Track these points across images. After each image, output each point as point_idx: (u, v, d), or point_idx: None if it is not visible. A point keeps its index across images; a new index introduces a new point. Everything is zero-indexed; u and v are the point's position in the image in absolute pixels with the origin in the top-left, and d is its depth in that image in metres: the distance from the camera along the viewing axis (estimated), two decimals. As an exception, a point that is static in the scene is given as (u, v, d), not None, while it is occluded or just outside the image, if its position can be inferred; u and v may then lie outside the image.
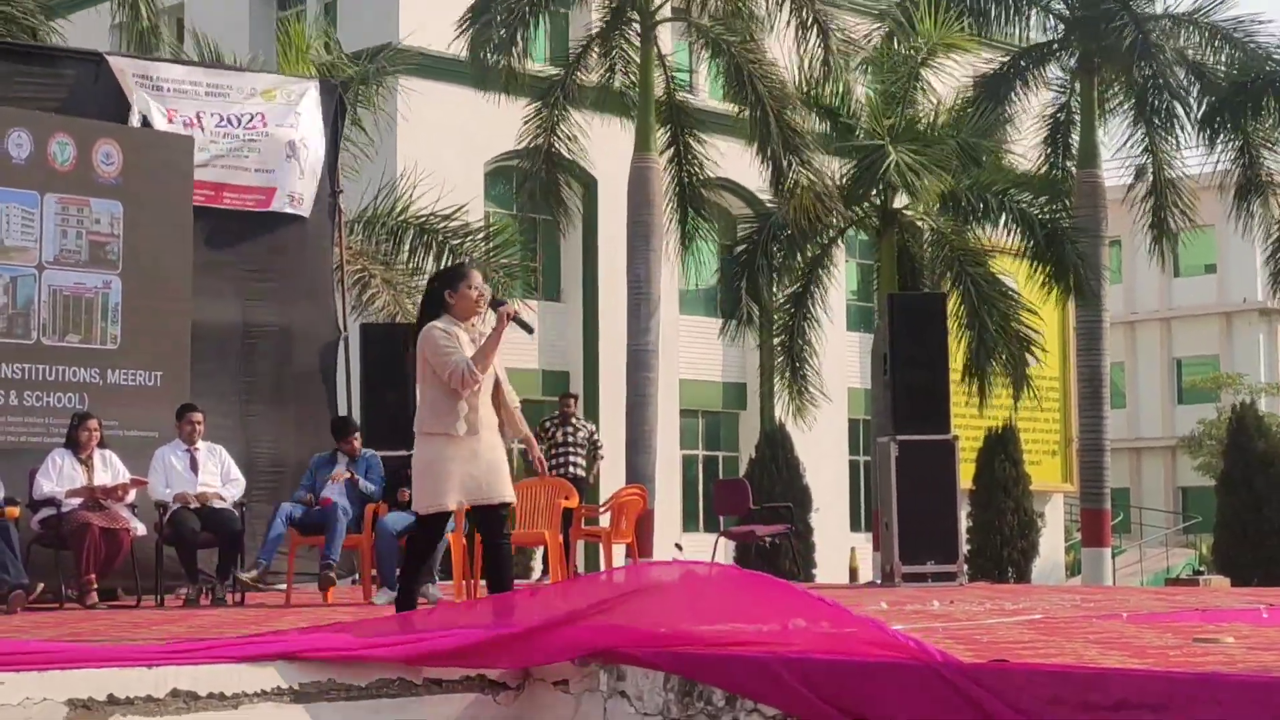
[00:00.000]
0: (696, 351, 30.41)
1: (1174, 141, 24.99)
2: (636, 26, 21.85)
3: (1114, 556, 27.60)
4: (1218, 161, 24.68)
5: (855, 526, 31.93)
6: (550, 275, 29.78)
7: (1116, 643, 6.39)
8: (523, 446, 8.41)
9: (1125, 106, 25.30)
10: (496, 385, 7.75)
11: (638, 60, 21.84)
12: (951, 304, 20.26)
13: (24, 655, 5.46)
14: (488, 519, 7.73)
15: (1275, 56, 24.09)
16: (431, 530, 7.87)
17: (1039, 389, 24.51)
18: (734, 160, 23.21)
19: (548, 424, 17.35)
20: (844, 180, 22.32)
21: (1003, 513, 25.97)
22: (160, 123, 13.62)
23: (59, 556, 11.29)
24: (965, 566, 15.33)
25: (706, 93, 26.98)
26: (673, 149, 22.27)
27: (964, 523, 20.46)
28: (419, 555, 7.97)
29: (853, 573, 28.06)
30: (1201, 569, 28.86)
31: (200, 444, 11.96)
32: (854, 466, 32.77)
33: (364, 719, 5.79)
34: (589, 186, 28.13)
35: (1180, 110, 24.40)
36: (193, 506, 11.58)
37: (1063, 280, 22.97)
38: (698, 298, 31.17)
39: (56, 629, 8.39)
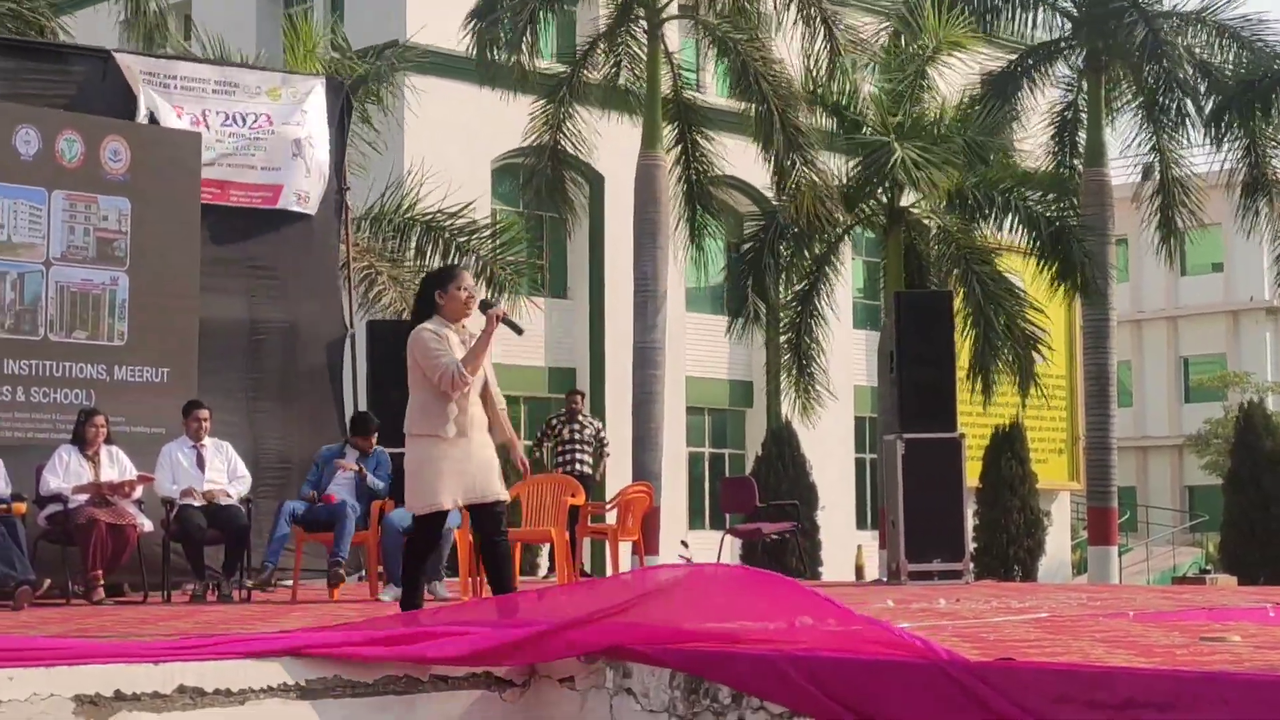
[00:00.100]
0: (703, 349, 30.41)
1: (1181, 139, 24.96)
2: (643, 24, 21.85)
3: (1120, 555, 27.59)
4: (1224, 160, 24.64)
5: (861, 524, 31.92)
6: (557, 272, 29.78)
7: (1123, 641, 6.39)
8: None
9: (1133, 105, 25.27)
10: (485, 385, 7.80)
11: (644, 57, 21.84)
12: (957, 302, 20.24)
13: (31, 651, 5.47)
14: (483, 517, 7.79)
15: (1283, 55, 24.06)
16: (428, 530, 7.91)
17: (1046, 387, 24.49)
18: (741, 158, 23.20)
19: (554, 421, 17.34)
20: (850, 178, 22.33)
21: (1009, 511, 25.95)
22: (168, 119, 13.62)
23: (65, 552, 11.30)
24: (971, 565, 15.32)
25: (714, 90, 26.95)
26: (680, 146, 22.26)
27: (970, 521, 20.38)
28: (418, 555, 7.99)
29: (859, 570, 28.05)
30: (1208, 568, 28.82)
31: (207, 440, 11.99)
32: (860, 464, 32.77)
33: (370, 716, 5.80)
34: (595, 184, 28.13)
35: (1190, 107, 24.35)
36: (198, 504, 11.60)
37: (1069, 278, 22.95)
38: (704, 295, 31.17)
39: (63, 625, 8.40)
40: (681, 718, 5.63)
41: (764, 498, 19.22)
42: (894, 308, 14.90)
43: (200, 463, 11.87)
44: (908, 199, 22.62)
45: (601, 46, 22.16)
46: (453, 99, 25.52)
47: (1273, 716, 4.32)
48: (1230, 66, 24.38)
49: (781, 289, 23.50)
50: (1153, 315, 49.24)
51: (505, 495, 7.81)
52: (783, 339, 23.84)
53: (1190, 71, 24.29)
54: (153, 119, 13.56)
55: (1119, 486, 25.77)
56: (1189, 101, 24.32)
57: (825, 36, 21.72)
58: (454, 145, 25.95)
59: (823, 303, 23.36)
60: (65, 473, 11.38)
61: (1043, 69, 25.37)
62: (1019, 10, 25.09)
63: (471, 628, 6.15)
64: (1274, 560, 24.14)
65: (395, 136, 22.82)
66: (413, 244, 20.72)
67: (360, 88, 20.08)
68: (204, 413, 12.00)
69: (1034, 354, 22.92)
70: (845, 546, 28.90)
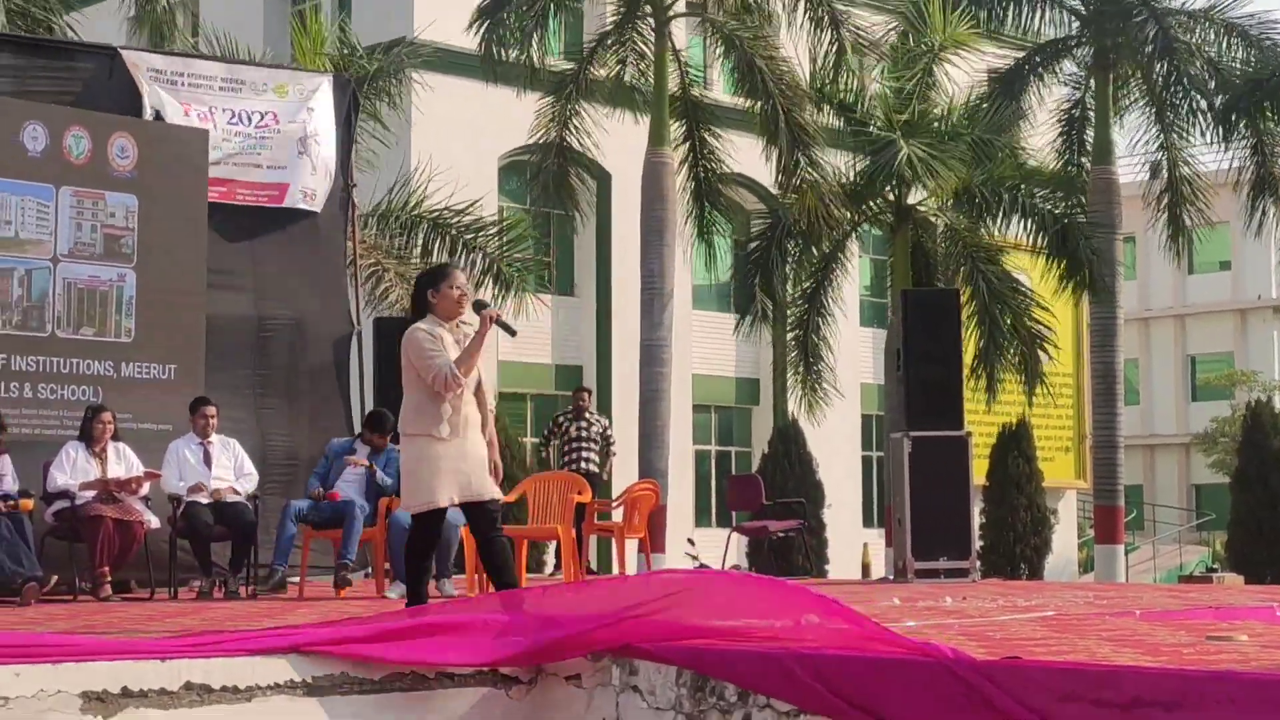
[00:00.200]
0: (710, 346, 30.40)
1: (1190, 137, 24.92)
2: (651, 21, 21.84)
3: (1127, 553, 27.57)
4: (1232, 159, 24.62)
5: (868, 522, 31.93)
6: (564, 270, 29.79)
7: (1130, 640, 6.38)
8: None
9: (1141, 103, 25.25)
10: (478, 384, 7.86)
11: (651, 55, 21.83)
12: (963, 300, 20.22)
13: (38, 648, 5.47)
14: (478, 515, 7.83)
15: (1291, 55, 24.02)
16: (426, 529, 7.93)
17: (1053, 385, 24.48)
18: (748, 155, 23.19)
19: (561, 419, 17.34)
20: (857, 175, 22.31)
21: (1016, 509, 25.95)
22: (175, 117, 13.64)
23: (73, 549, 11.32)
24: (978, 563, 15.29)
25: (721, 88, 26.95)
26: (688, 144, 22.25)
27: (977, 519, 20.39)
28: (418, 554, 8.01)
29: (865, 568, 28.03)
30: (1215, 566, 28.82)
31: (214, 437, 11.99)
32: (867, 462, 32.75)
33: (376, 713, 5.80)
34: (602, 181, 28.14)
35: (1202, 103, 24.30)
36: (205, 501, 11.61)
37: (1077, 276, 22.93)
38: (711, 293, 31.15)
39: (70, 621, 8.41)
40: (688, 715, 5.63)
41: (770, 495, 19.23)
42: (901, 306, 14.90)
43: (207, 460, 11.88)
44: (915, 197, 22.60)
45: (608, 43, 22.15)
46: (460, 96, 25.52)
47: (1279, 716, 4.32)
48: (1238, 65, 24.35)
49: (789, 287, 23.50)
50: (1160, 313, 49.19)
51: (499, 494, 7.86)
52: (789, 337, 23.83)
53: (1201, 67, 24.26)
54: (158, 116, 13.57)
55: (1126, 485, 25.75)
56: (1201, 99, 24.27)
57: (833, 36, 21.70)
58: (460, 142, 25.95)
59: (830, 300, 23.35)
60: (72, 469, 11.40)
61: (1050, 67, 25.36)
62: (1026, 8, 25.07)
63: (476, 630, 6.13)
64: (1281, 559, 24.14)
65: (403, 134, 22.82)
66: (419, 241, 20.71)
67: (368, 85, 20.08)
68: (211, 410, 12.01)
69: (1039, 352, 22.90)
70: (851, 544, 28.89)
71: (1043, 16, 25.32)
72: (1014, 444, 26.28)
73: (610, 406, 26.62)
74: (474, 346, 7.71)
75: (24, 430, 12.03)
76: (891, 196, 22.50)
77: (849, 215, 22.46)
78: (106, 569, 11.11)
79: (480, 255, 20.66)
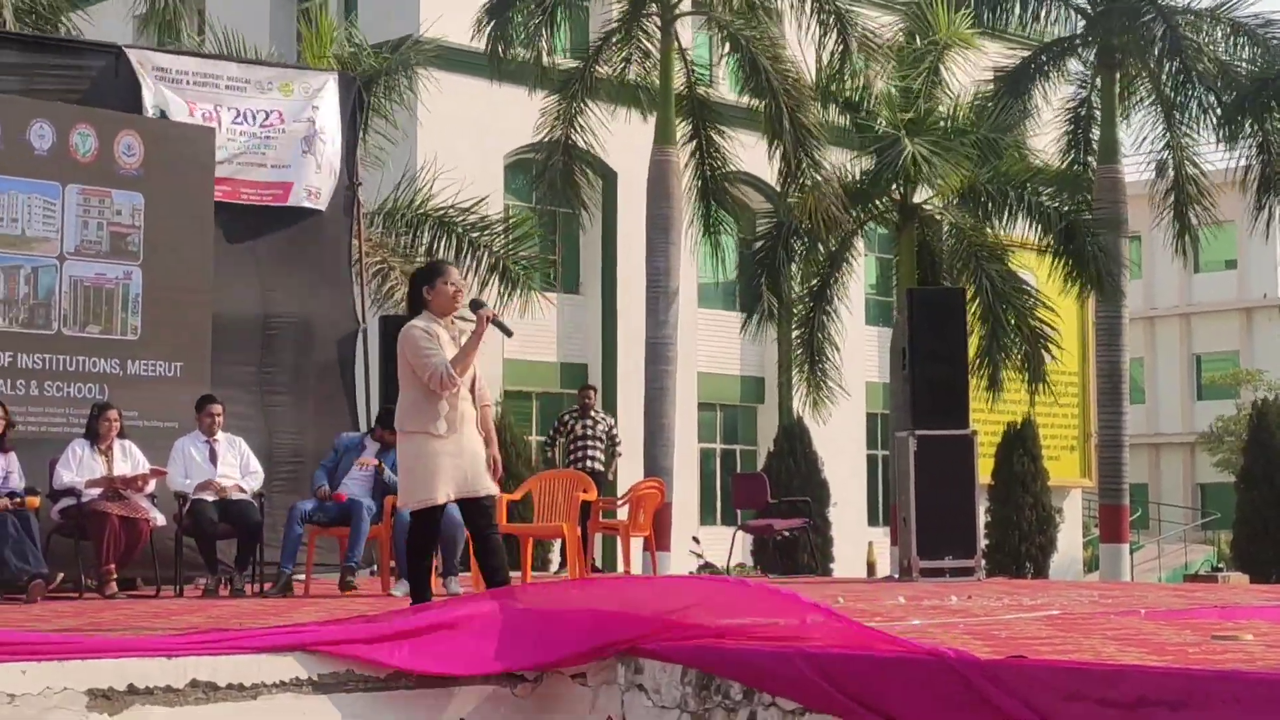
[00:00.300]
0: (715, 345, 30.39)
1: (1196, 136, 24.90)
2: (656, 20, 21.83)
3: (1132, 552, 27.52)
4: (1238, 158, 24.60)
5: (873, 521, 31.92)
6: (569, 268, 29.78)
7: (1135, 639, 6.38)
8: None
9: (1147, 101, 25.23)
10: (474, 381, 7.87)
11: (657, 53, 21.82)
12: (969, 299, 20.20)
13: (44, 645, 5.48)
14: (473, 511, 7.85)
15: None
16: (425, 526, 7.93)
17: (1058, 384, 24.46)
18: (754, 154, 23.18)
19: (567, 417, 17.33)
20: (863, 173, 22.30)
21: (1021, 508, 25.95)
22: (180, 115, 13.65)
23: (79, 546, 11.33)
24: (983, 562, 15.29)
25: (727, 86, 26.95)
26: (694, 142, 22.24)
27: (982, 518, 20.39)
28: (418, 551, 8.02)
29: (870, 567, 28.03)
30: (1220, 565, 28.81)
31: (220, 435, 12.00)
32: (872, 461, 32.74)
33: (381, 710, 5.81)
34: (608, 179, 28.12)
35: (1213, 99, 24.26)
36: (211, 499, 11.62)
37: (1082, 275, 22.91)
38: (716, 291, 31.14)
39: (76, 619, 8.42)
40: (693, 714, 5.64)
41: (776, 494, 19.22)
42: (906, 304, 14.88)
43: (213, 457, 11.89)
44: (920, 195, 22.59)
45: (614, 42, 22.15)
46: (466, 94, 25.52)
47: (1285, 715, 4.32)
48: (1244, 65, 24.33)
49: (794, 285, 23.49)
50: (1166, 312, 49.15)
51: (495, 490, 7.87)
52: (795, 335, 23.81)
53: (1207, 66, 24.23)
54: (161, 115, 13.59)
55: (1131, 484, 25.74)
56: (1210, 96, 24.23)
57: (839, 35, 21.68)
58: (466, 140, 25.95)
59: (835, 299, 23.33)
60: (78, 467, 11.41)
61: (1056, 65, 25.33)
62: (1032, 6, 25.05)
63: (479, 634, 6.13)
64: (1286, 558, 24.12)
65: (409, 132, 22.83)
66: (425, 239, 20.71)
67: (374, 83, 20.08)
68: (217, 407, 12.02)
69: (1044, 352, 22.88)
70: (857, 543, 28.89)
71: (1048, 15, 25.31)
72: (1019, 443, 26.28)
73: (615, 405, 26.61)
74: (470, 346, 7.74)
75: (30, 428, 12.04)
76: (897, 195, 22.49)
77: (853, 214, 22.44)
78: (112, 566, 11.12)
79: (486, 253, 20.66)
